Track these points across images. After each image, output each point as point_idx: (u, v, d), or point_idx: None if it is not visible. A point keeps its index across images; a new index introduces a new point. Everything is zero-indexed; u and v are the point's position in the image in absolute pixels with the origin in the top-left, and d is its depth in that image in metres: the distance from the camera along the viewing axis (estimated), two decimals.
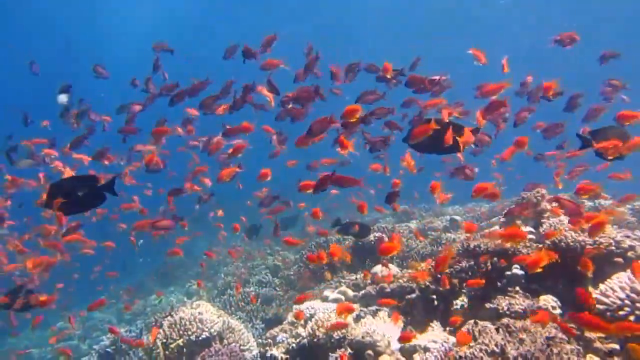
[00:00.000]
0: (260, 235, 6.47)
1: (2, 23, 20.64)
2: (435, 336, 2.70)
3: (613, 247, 2.71)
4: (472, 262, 3.10)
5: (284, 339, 3.41)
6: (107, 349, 4.36)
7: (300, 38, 4.58)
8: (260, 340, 3.55)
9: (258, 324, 4.57)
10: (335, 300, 3.85)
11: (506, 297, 2.68)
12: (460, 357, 2.22)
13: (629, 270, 2.30)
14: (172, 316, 3.51)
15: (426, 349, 2.49)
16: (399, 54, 4.98)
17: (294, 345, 3.33)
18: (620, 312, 2.19)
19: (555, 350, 2.13)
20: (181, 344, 3.31)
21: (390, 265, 3.95)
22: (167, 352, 3.29)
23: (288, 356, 3.31)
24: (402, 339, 2.50)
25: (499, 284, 2.89)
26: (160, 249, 8.74)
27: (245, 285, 5.88)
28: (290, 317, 3.78)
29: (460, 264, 3.12)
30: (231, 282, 6.21)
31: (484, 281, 2.79)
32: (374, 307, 3.55)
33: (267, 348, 3.40)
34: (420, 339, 2.60)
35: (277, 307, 4.90)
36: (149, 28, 21.60)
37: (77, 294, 7.72)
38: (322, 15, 20.85)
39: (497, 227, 4.04)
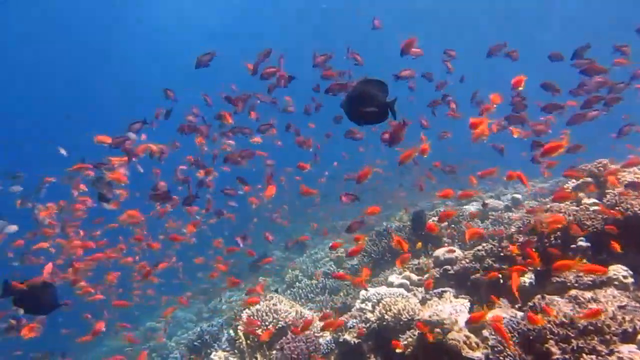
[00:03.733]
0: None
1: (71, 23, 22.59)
2: (503, 312, 2.75)
3: None
4: (536, 238, 3.10)
5: (354, 324, 3.59)
6: (194, 343, 4.79)
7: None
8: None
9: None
10: (401, 286, 3.98)
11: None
12: (529, 329, 2.27)
13: None
14: (249, 309, 3.81)
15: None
16: None
17: (364, 329, 3.51)
18: None
19: (627, 318, 2.13)
20: (260, 333, 3.59)
21: (453, 247, 4.00)
22: (248, 342, 3.59)
23: (360, 340, 3.49)
24: (472, 319, 2.56)
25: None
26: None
27: (311, 278, 6.16)
28: (358, 304, 3.96)
29: (525, 240, 3.12)
30: (298, 275, 6.50)
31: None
32: (439, 290, 3.64)
33: (340, 333, 3.60)
34: (487, 316, 2.67)
35: (344, 296, 5.09)
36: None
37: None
38: None
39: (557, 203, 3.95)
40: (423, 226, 4.71)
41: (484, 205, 5.11)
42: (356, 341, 3.51)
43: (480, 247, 3.47)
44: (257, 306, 3.79)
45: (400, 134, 2.62)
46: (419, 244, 4.24)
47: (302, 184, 3.95)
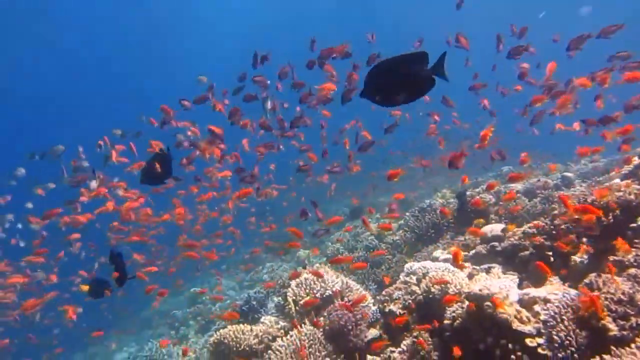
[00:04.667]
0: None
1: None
2: (555, 289, 2.75)
3: None
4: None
5: (400, 295, 3.67)
6: (242, 308, 5.05)
7: None
8: (378, 297, 3.85)
9: (371, 285, 4.90)
10: (446, 261, 4.01)
11: (633, 249, 2.61)
12: (585, 305, 2.27)
13: None
14: (298, 278, 3.97)
15: (546, 300, 2.57)
16: None
17: (410, 301, 3.59)
18: None
19: None
20: (309, 300, 3.75)
21: (499, 225, 3.97)
22: (297, 308, 3.76)
23: (405, 311, 3.58)
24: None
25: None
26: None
27: (353, 251, 6.27)
28: (402, 277, 4.03)
29: (578, 220, 3.07)
30: (339, 248, 6.63)
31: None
32: (485, 265, 3.65)
33: (385, 304, 3.70)
34: (538, 292, 2.68)
35: (386, 270, 5.18)
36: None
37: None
38: None
39: (617, 180, 3.82)
40: (468, 203, 4.70)
41: (541, 183, 5.01)
42: (401, 312, 3.60)
43: (531, 225, 3.44)
44: (305, 275, 3.94)
45: (459, 162, 2.68)
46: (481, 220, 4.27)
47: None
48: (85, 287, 3.46)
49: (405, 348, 3.23)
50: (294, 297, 3.81)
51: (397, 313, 3.57)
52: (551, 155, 7.35)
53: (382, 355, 3.35)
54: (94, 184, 4.70)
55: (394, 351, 3.30)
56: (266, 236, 8.75)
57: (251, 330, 3.79)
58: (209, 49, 27.98)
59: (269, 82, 4.46)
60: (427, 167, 7.63)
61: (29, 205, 5.50)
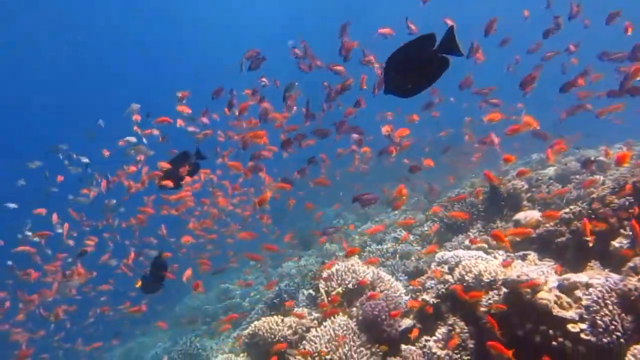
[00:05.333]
0: None
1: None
2: (596, 274, 2.68)
3: None
4: (632, 199, 2.95)
5: (432, 284, 3.64)
6: (273, 300, 5.11)
7: None
8: (410, 287, 3.84)
9: (401, 276, 4.88)
10: (478, 249, 3.96)
11: None
12: (630, 289, 2.21)
13: None
14: (329, 269, 3.99)
15: (588, 285, 2.51)
16: None
17: (443, 290, 3.56)
18: None
19: None
20: (340, 291, 3.76)
21: (533, 211, 3.89)
22: (329, 298, 3.78)
23: (439, 300, 3.55)
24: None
25: None
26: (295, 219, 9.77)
27: (381, 243, 6.25)
28: (433, 266, 4.00)
29: (618, 202, 2.98)
30: (367, 240, 6.62)
31: None
32: (520, 253, 3.59)
33: (418, 294, 3.68)
34: (579, 277, 2.61)
35: (416, 260, 5.15)
36: None
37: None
38: None
39: None
40: (497, 189, 4.61)
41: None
42: (435, 301, 3.58)
43: (567, 210, 3.35)
44: (336, 266, 3.95)
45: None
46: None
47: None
48: (139, 283, 3.54)
49: (440, 336, 3.21)
50: (326, 289, 3.83)
51: (431, 302, 3.55)
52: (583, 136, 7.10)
53: (417, 344, 3.34)
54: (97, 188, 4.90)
55: (428, 340, 3.28)
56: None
57: (283, 321, 3.83)
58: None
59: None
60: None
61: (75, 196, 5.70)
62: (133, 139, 4.81)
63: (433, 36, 1.94)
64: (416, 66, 2.01)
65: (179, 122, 4.64)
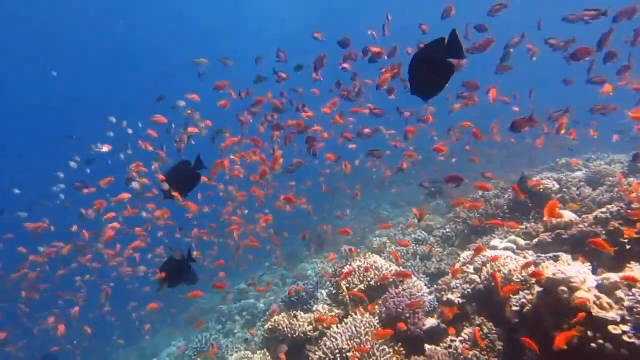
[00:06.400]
0: None
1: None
2: (638, 275, 2.54)
3: None
4: None
5: (458, 284, 3.52)
6: (292, 299, 5.02)
7: None
8: (435, 287, 3.72)
9: (422, 277, 4.76)
10: (506, 249, 3.82)
11: None
12: None
13: None
14: (350, 265, 3.90)
15: (631, 286, 2.37)
16: None
17: (469, 290, 3.44)
18: None
19: None
20: (363, 288, 3.67)
21: (567, 212, 3.74)
22: (351, 295, 3.69)
23: (465, 300, 3.43)
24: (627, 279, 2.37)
25: None
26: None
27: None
28: (458, 266, 3.88)
29: None
30: (386, 242, 6.51)
31: None
32: (551, 254, 3.44)
33: (443, 293, 3.56)
34: (619, 277, 2.48)
35: (437, 262, 5.02)
36: None
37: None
38: None
39: None
40: (527, 189, 4.46)
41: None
42: (460, 301, 3.46)
43: (604, 210, 3.21)
44: (359, 263, 3.86)
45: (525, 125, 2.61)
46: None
47: None
48: (161, 275, 3.42)
49: (467, 337, 3.09)
50: (348, 285, 3.74)
51: (457, 302, 3.43)
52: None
53: (442, 344, 3.22)
54: (136, 184, 4.87)
55: (454, 340, 3.16)
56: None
57: (304, 317, 3.75)
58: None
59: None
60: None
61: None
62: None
63: (444, 40, 2.02)
64: (433, 69, 2.12)
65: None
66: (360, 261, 3.92)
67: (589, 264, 3.06)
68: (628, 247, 3.06)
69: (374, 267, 3.77)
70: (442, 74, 2.10)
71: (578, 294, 2.44)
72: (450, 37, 2.00)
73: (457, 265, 3.90)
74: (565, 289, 2.48)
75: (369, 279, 3.72)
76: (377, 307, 3.53)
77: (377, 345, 3.17)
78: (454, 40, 2.00)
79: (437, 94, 2.23)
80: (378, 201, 12.53)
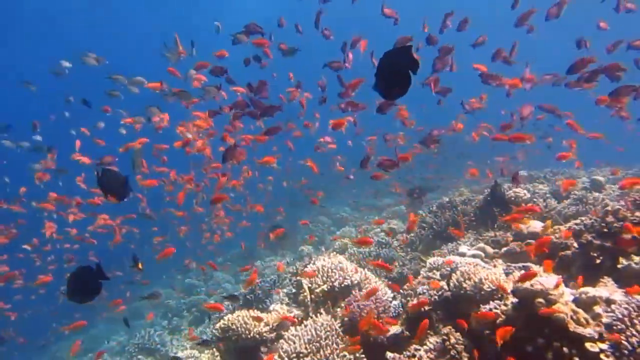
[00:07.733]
0: None
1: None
2: (612, 291, 2.46)
3: None
4: None
5: (424, 290, 3.37)
6: (247, 296, 4.72)
7: None
8: (401, 292, 3.54)
9: (383, 281, 4.59)
10: (474, 257, 3.71)
11: None
12: None
13: None
14: (313, 264, 3.65)
15: (609, 301, 2.27)
16: None
17: (435, 297, 3.28)
18: None
19: None
20: (326, 289, 3.43)
21: (534, 222, 3.68)
22: (312, 296, 3.44)
23: (431, 307, 3.27)
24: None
25: None
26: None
27: (361, 247, 5.96)
28: (424, 272, 3.73)
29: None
30: (347, 243, 6.32)
31: None
32: (520, 264, 3.36)
33: (409, 298, 3.39)
34: (599, 292, 2.38)
35: (400, 267, 4.88)
36: None
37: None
38: None
39: None
40: (501, 198, 4.39)
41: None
42: (425, 308, 3.30)
43: (577, 222, 3.15)
44: (323, 262, 3.63)
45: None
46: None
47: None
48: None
49: (433, 347, 2.92)
50: (310, 285, 3.49)
51: (420, 310, 3.26)
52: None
53: (404, 352, 3.04)
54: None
55: (419, 349, 2.99)
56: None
57: (260, 318, 3.47)
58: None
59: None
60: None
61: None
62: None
63: (409, 49, 2.01)
64: (397, 74, 2.08)
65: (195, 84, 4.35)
66: (324, 260, 3.68)
67: (560, 276, 2.99)
68: (597, 261, 3.01)
69: (339, 269, 3.55)
70: (405, 83, 2.09)
71: (555, 306, 2.31)
72: (407, 51, 2.02)
73: (423, 271, 3.75)
74: (542, 300, 2.35)
75: (333, 280, 3.49)
76: (339, 309, 3.31)
77: (337, 351, 2.95)
78: (408, 56, 2.01)
79: (397, 98, 2.23)
80: (338, 205, 12.43)
